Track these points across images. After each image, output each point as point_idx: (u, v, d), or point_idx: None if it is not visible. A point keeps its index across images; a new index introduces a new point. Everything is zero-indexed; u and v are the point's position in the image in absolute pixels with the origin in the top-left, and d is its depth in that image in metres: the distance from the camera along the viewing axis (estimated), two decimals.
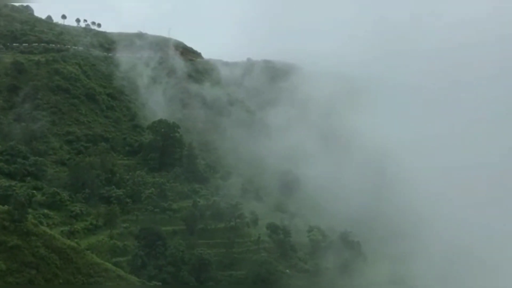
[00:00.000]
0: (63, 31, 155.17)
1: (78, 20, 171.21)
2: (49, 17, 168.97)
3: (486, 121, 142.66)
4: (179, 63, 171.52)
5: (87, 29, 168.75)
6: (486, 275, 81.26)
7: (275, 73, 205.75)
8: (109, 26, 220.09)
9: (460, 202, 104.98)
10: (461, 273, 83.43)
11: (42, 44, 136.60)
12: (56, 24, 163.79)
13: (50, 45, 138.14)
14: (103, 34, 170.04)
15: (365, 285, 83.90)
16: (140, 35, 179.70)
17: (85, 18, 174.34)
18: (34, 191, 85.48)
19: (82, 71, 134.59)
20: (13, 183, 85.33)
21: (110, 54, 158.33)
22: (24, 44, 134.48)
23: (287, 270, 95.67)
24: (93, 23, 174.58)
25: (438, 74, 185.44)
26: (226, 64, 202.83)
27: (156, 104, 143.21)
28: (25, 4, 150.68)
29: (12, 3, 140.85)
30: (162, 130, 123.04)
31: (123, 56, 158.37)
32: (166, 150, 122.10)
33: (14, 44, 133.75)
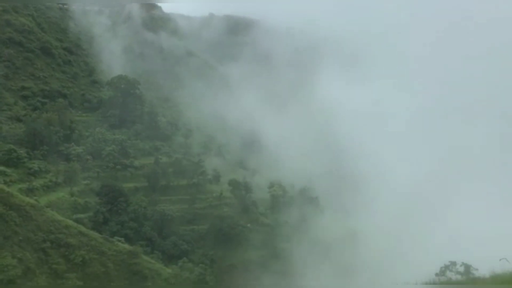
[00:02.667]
0: None
1: None
2: None
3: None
4: (137, 14, 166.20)
5: None
6: (438, 226, 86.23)
7: (236, 27, 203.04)
8: None
9: (414, 158, 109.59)
10: (414, 223, 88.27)
11: None
12: None
13: None
14: None
15: (322, 237, 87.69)
16: None
17: None
18: None
19: (36, 24, 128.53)
20: None
21: (65, 5, 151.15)
22: None
23: (248, 225, 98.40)
24: None
25: (400, 29, 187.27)
26: (188, 18, 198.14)
27: (114, 59, 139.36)
28: None
29: None
30: (122, 86, 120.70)
31: (79, 8, 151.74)
32: (126, 106, 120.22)
33: None
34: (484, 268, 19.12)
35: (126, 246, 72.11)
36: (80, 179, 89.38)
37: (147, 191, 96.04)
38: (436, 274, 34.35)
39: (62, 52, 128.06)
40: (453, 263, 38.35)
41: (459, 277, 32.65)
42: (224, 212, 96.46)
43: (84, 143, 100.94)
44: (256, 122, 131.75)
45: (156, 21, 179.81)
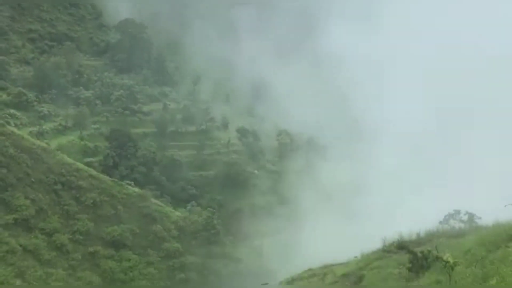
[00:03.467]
0: None
1: None
2: None
3: None
4: None
5: None
6: (443, 175, 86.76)
7: None
8: None
9: (420, 107, 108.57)
10: (419, 173, 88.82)
11: None
12: None
13: None
14: None
15: (327, 184, 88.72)
16: None
17: None
18: None
19: None
20: None
21: None
22: None
23: (256, 171, 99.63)
24: None
25: None
26: None
27: (121, 2, 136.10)
28: None
29: None
30: (129, 30, 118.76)
31: None
32: (134, 51, 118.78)
33: None
34: (488, 217, 19.38)
35: (136, 189, 73.74)
36: (89, 124, 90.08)
37: (155, 137, 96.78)
38: (440, 222, 34.89)
39: None
40: (457, 212, 38.91)
41: (462, 225, 33.19)
42: (232, 159, 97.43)
43: (93, 87, 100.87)
44: (265, 69, 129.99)
45: None
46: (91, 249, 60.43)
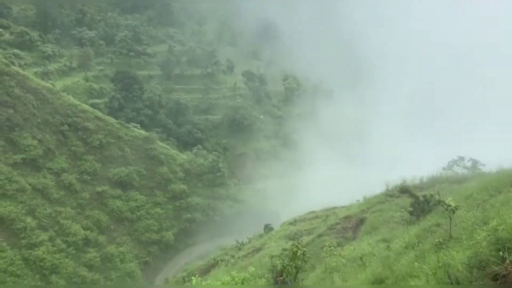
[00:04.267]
0: None
1: None
2: None
3: None
4: None
5: None
6: (448, 122, 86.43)
7: None
8: None
9: (428, 54, 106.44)
10: (425, 119, 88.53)
11: None
12: None
13: None
14: None
15: (333, 129, 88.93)
16: None
17: None
18: (1, 29, 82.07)
19: None
20: None
21: None
22: None
23: (261, 116, 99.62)
24: None
25: None
26: None
27: None
28: None
29: None
30: None
31: None
32: None
33: None
34: (492, 164, 19.44)
35: (142, 132, 74.16)
36: (94, 65, 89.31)
37: (161, 80, 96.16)
38: (443, 169, 35.16)
39: None
40: (461, 158, 39.05)
41: (465, 172, 33.42)
42: (238, 103, 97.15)
43: (96, 27, 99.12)
44: (272, 11, 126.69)
45: None
46: (98, 189, 61.67)
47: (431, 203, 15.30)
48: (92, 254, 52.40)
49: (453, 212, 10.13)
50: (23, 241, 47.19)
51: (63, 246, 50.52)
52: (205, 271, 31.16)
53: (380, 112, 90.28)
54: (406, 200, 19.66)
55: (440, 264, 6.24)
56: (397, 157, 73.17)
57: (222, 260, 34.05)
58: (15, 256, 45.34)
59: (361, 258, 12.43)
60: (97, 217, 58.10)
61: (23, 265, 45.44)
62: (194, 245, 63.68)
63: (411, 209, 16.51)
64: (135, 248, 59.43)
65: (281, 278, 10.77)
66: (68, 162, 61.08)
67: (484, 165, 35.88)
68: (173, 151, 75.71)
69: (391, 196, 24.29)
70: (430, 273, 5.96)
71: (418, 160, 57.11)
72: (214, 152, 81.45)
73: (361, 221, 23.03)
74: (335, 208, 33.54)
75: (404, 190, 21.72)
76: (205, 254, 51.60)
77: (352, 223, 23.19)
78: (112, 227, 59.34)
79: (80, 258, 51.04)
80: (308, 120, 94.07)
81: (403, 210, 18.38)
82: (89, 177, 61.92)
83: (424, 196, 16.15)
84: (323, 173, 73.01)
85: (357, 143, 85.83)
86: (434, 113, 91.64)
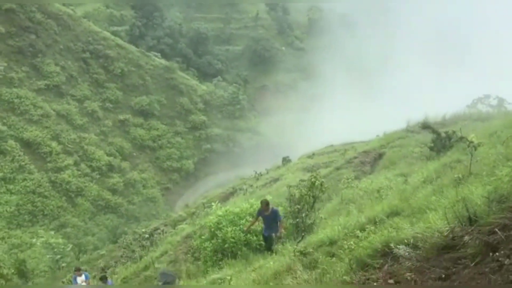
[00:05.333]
0: None
1: None
2: None
3: None
4: None
5: None
6: (474, 59, 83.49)
7: None
8: None
9: None
10: (450, 56, 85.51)
11: None
12: None
13: None
14: None
15: (356, 62, 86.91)
16: None
17: None
18: None
19: None
20: None
21: None
22: None
23: (283, 47, 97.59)
24: None
25: None
26: None
27: None
28: None
29: None
30: None
31: None
32: None
33: None
34: None
35: (163, 61, 73.81)
36: None
37: (181, 7, 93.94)
38: (467, 106, 34.47)
39: None
40: (487, 96, 38.06)
41: (490, 110, 32.71)
42: (260, 34, 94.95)
43: None
44: None
45: None
46: (121, 117, 62.64)
47: (452, 140, 15.19)
48: (115, 179, 54.23)
49: (475, 149, 10.06)
50: (49, 165, 48.98)
51: (88, 170, 52.32)
52: (224, 198, 32.13)
53: (404, 48, 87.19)
54: (427, 136, 19.52)
55: (459, 198, 6.27)
56: (419, 93, 71.68)
57: (240, 189, 34.97)
58: (42, 178, 47.31)
59: (378, 191, 12.61)
60: (120, 144, 59.47)
61: (50, 187, 47.50)
62: (213, 174, 65.18)
63: (432, 144, 16.45)
64: (156, 175, 61.21)
65: (298, 207, 11.10)
66: (90, 90, 61.72)
67: (510, 103, 35.02)
68: (193, 82, 75.59)
69: (411, 132, 24.17)
70: (448, 206, 6.00)
71: (441, 98, 55.96)
72: (234, 84, 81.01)
73: (380, 155, 23.14)
74: (354, 142, 33.66)
75: (425, 126, 21.51)
76: (224, 183, 52.92)
77: (370, 157, 23.32)
78: (134, 154, 60.88)
79: (104, 183, 52.96)
80: (331, 53, 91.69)
81: (423, 145, 18.33)
82: (111, 105, 62.73)
83: (446, 132, 16.00)
84: (344, 108, 72.39)
85: (380, 79, 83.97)
86: (461, 51, 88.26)
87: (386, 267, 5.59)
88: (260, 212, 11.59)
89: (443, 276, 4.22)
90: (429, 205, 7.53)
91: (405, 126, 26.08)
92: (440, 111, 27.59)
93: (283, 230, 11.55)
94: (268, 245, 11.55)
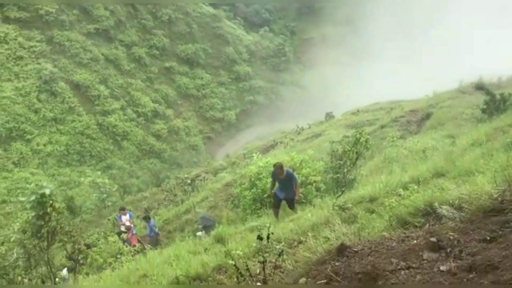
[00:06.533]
0: None
1: None
2: None
3: None
4: None
5: None
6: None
7: None
8: None
9: None
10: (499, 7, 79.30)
11: None
12: None
13: None
14: None
15: (410, 17, 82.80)
16: None
17: None
18: None
19: None
20: None
21: None
22: None
23: None
24: None
25: None
26: None
27: None
28: None
29: None
30: None
31: None
32: None
33: None
34: None
35: (210, 9, 73.01)
36: None
37: None
38: None
39: None
40: None
41: None
42: None
43: None
44: None
45: None
46: (167, 64, 63.18)
47: (507, 102, 14.48)
48: (160, 125, 55.48)
49: None
50: (97, 108, 50.51)
51: (134, 115, 53.69)
52: (264, 151, 32.37)
53: (458, 3, 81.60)
54: (480, 98, 18.68)
55: (510, 163, 6.04)
56: (472, 54, 67.97)
57: (281, 142, 35.08)
58: (90, 120, 49.00)
59: (423, 151, 12.34)
60: (165, 91, 60.34)
61: (98, 130, 49.19)
62: (255, 126, 65.47)
63: (485, 107, 15.76)
64: (199, 123, 62.12)
65: (340, 162, 11.05)
66: (138, 35, 62.23)
67: None
68: (240, 31, 74.73)
69: (463, 92, 23.16)
70: (498, 170, 5.79)
71: (498, 59, 52.92)
72: (281, 35, 79.53)
73: (427, 115, 22.42)
74: (401, 101, 32.68)
75: (479, 87, 20.59)
76: (265, 136, 53.20)
77: (417, 117, 22.67)
78: (178, 102, 61.75)
79: (149, 128, 54.33)
80: (381, 6, 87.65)
81: (475, 107, 17.60)
82: (157, 52, 63.21)
83: (501, 94, 15.24)
84: (392, 65, 69.94)
85: (431, 38, 79.94)
86: None
87: (427, 226, 5.54)
88: (275, 176, 11.40)
89: (488, 238, 4.13)
90: (477, 168, 7.32)
91: (457, 87, 24.98)
92: (496, 73, 26.16)
93: (300, 194, 11.50)
94: (276, 205, 11.40)
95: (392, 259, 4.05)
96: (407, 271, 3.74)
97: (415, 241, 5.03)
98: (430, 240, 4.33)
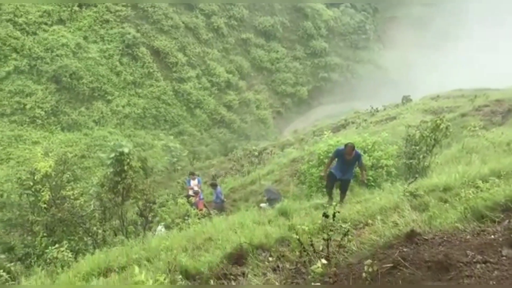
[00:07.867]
0: None
1: None
2: None
3: None
4: None
5: None
6: None
7: None
8: None
9: None
10: None
11: None
12: None
13: None
14: None
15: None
16: None
17: None
18: None
19: None
20: None
21: None
22: None
23: None
24: None
25: None
26: None
27: None
28: None
29: None
30: None
31: None
32: None
33: None
34: None
35: None
36: None
37: None
38: None
39: None
40: None
41: None
42: None
43: None
44: None
45: None
46: (243, 36, 63.41)
47: None
48: (232, 96, 56.25)
49: None
50: (174, 75, 52.05)
51: (208, 85, 54.78)
52: (335, 129, 31.91)
53: None
54: None
55: None
56: None
57: (353, 122, 34.37)
58: (167, 86, 50.68)
59: (507, 144, 11.58)
60: (240, 63, 60.79)
61: (173, 96, 50.83)
62: (327, 104, 64.52)
63: None
64: (270, 97, 62.23)
65: (416, 148, 10.63)
66: (218, 5, 62.75)
67: None
68: (320, 6, 73.08)
69: None
70: None
71: None
72: (362, 12, 76.91)
73: None
74: (486, 89, 30.69)
75: None
76: (336, 114, 52.31)
77: (503, 107, 21.21)
78: (252, 74, 62.08)
79: (221, 98, 55.27)
80: None
81: None
82: (236, 23, 63.52)
83: None
84: (479, 52, 65.48)
85: None
86: None
87: (506, 222, 5.27)
88: (339, 154, 10.84)
89: None
90: None
91: None
92: None
93: (368, 177, 11.20)
94: (330, 185, 11.15)
95: (468, 251, 3.87)
96: (483, 265, 3.56)
97: (492, 236, 4.79)
98: (510, 236, 4.09)
